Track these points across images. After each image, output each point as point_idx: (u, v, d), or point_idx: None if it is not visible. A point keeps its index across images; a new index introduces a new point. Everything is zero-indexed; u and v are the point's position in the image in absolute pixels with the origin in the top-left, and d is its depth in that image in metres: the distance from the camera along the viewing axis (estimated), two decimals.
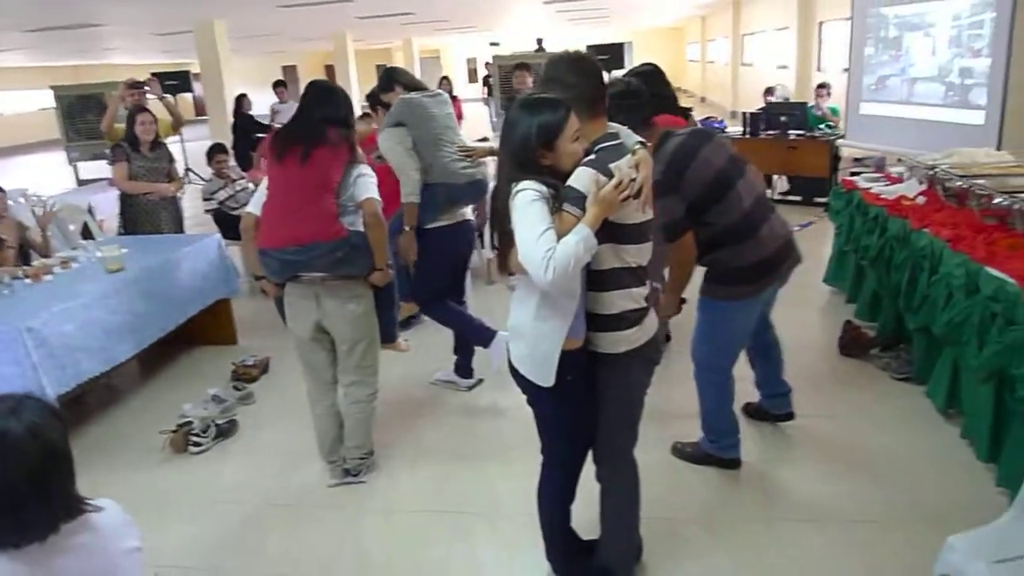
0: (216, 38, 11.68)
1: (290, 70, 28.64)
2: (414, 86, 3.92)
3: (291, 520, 3.16)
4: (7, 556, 1.38)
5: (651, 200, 2.18)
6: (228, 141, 8.99)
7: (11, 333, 3.39)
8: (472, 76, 32.04)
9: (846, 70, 8.21)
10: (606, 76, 2.36)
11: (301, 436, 3.68)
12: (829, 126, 8.29)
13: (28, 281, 4.06)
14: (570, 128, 2.08)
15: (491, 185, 4.37)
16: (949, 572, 2.08)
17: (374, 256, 3.16)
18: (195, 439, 3.75)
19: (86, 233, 6.41)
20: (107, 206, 7.51)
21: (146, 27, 13.48)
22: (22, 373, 3.36)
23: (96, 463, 3.63)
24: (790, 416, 3.57)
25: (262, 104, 11.10)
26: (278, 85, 10.94)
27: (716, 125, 8.96)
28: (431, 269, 3.91)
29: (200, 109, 23.44)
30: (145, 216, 5.44)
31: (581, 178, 2.06)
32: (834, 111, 8.61)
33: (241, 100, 10.39)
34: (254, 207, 3.23)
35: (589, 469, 2.47)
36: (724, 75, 20.53)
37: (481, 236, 5.84)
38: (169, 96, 6.53)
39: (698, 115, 4.25)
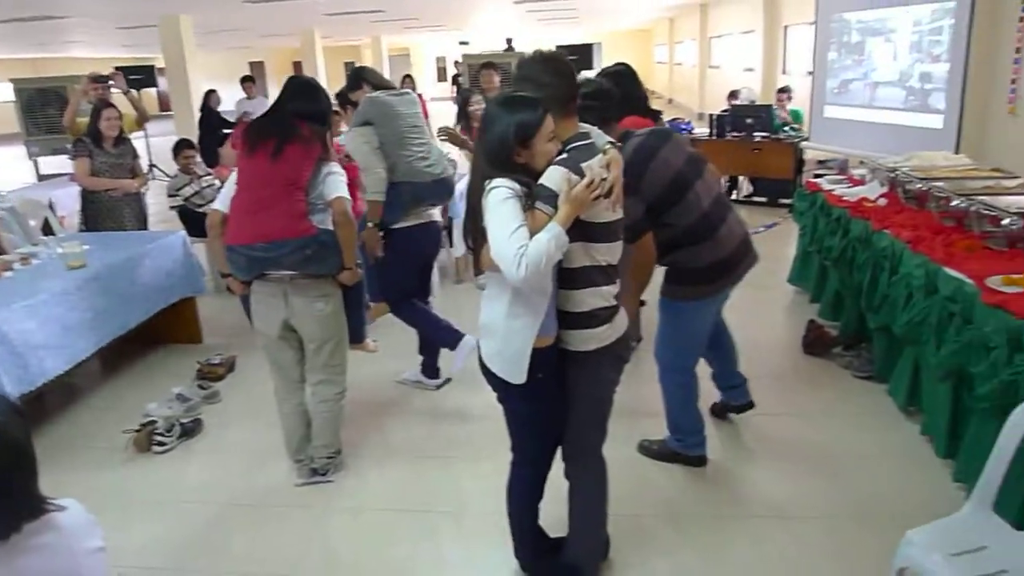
0: (181, 32, 11.52)
1: (257, 66, 28.31)
2: (382, 85, 3.91)
3: (257, 519, 3.13)
4: None
5: (621, 199, 2.21)
6: (194, 137, 8.87)
7: None
8: (442, 75, 32.00)
9: (810, 73, 8.34)
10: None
11: (267, 435, 3.65)
12: (794, 129, 8.42)
13: None
14: (547, 128, 2.10)
15: (459, 184, 4.41)
16: (908, 565, 2.12)
17: (343, 255, 3.15)
18: (159, 438, 3.70)
19: (47, 229, 6.29)
20: (68, 202, 7.36)
21: (110, 20, 13.24)
22: None
23: (58, 463, 3.56)
24: (750, 405, 3.61)
25: (228, 100, 10.93)
26: (246, 80, 10.61)
27: (683, 127, 9.05)
28: (398, 269, 3.91)
29: (165, 104, 23.11)
30: (107, 213, 5.34)
31: (553, 177, 2.08)
32: (798, 114, 8.71)
33: (209, 96, 10.23)
34: (221, 204, 3.19)
35: (557, 467, 2.49)
36: (691, 77, 20.72)
37: (449, 235, 5.85)
38: (133, 91, 6.41)
39: (666, 116, 4.28)
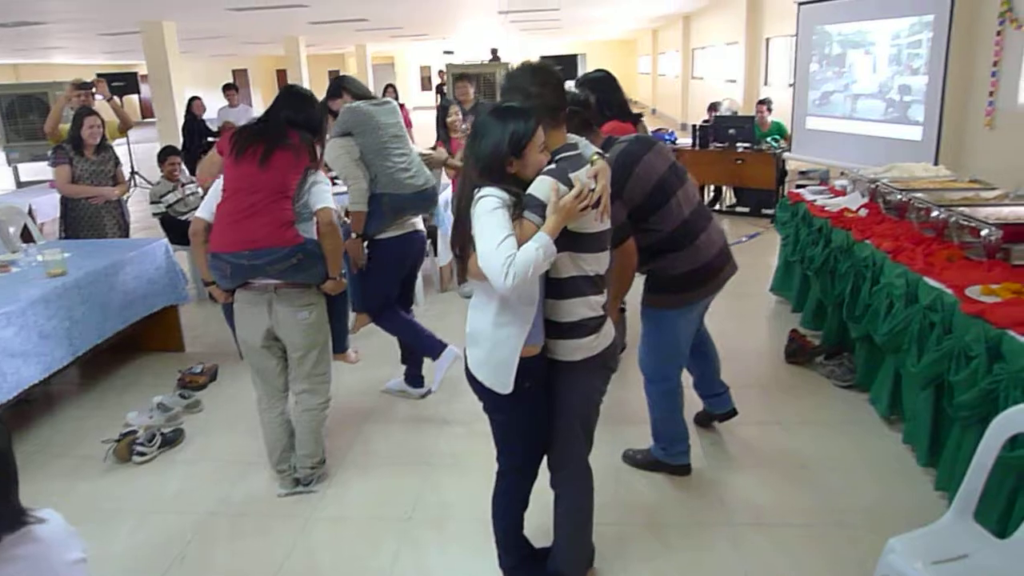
0: (164, 39, 11.45)
1: (241, 74, 28.20)
2: (362, 95, 3.88)
3: (239, 530, 3.11)
4: None
5: (609, 210, 2.22)
6: (177, 143, 8.81)
7: None
8: (426, 84, 32.04)
9: (792, 85, 8.42)
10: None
11: (249, 445, 3.62)
12: (776, 141, 8.48)
13: None
14: (539, 138, 2.11)
15: (442, 196, 4.41)
16: (890, 572, 2.14)
17: (328, 264, 3.14)
18: (139, 448, 3.65)
19: (26, 236, 6.22)
20: (48, 209, 7.31)
21: (92, 26, 13.15)
22: None
23: (37, 473, 3.52)
24: (733, 413, 3.63)
25: (211, 108, 10.85)
26: (228, 88, 10.42)
27: (667, 137, 9.10)
28: (381, 279, 3.89)
29: (147, 111, 22.97)
30: (88, 220, 5.30)
31: (541, 187, 2.09)
32: (780, 127, 8.75)
33: (192, 102, 10.14)
34: (204, 211, 3.17)
35: (542, 476, 2.49)
36: (675, 88, 20.86)
37: (434, 244, 5.84)
38: (116, 98, 6.36)
39: (649, 127, 4.30)
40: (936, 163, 5.76)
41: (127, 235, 5.61)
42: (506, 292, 2.02)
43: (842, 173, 5.90)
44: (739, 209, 8.81)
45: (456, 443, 3.71)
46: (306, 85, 16.89)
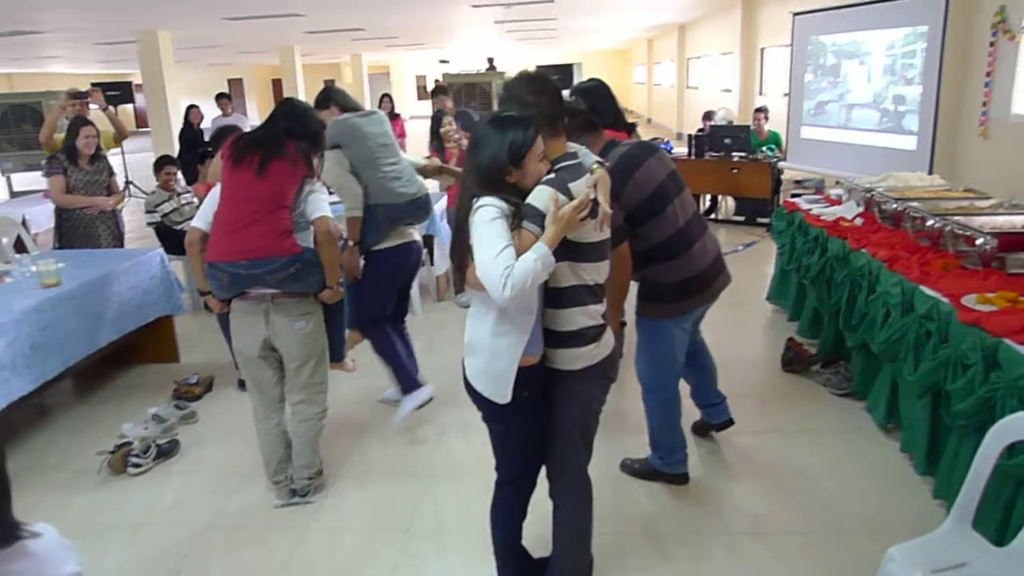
0: (160, 48, 11.46)
1: (236, 83, 28.24)
2: (349, 107, 3.83)
3: (235, 541, 3.09)
4: None
5: (608, 219, 2.21)
6: (173, 153, 8.79)
7: None
8: (422, 93, 32.06)
9: (787, 95, 8.46)
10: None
11: (245, 455, 3.61)
12: (771, 148, 8.50)
13: None
14: (538, 147, 2.11)
15: (437, 204, 4.39)
16: None
17: (326, 274, 3.13)
18: (135, 460, 3.63)
19: (19, 247, 6.19)
20: (42, 219, 7.29)
21: (88, 36, 13.16)
22: None
23: (31, 486, 3.50)
24: (730, 423, 3.63)
25: (205, 118, 10.84)
26: (221, 97, 10.24)
27: (663, 146, 9.10)
28: (375, 291, 3.86)
29: (142, 121, 22.96)
30: (82, 231, 5.29)
31: (540, 196, 2.09)
32: (776, 137, 8.77)
33: (190, 111, 10.10)
34: (201, 221, 3.17)
35: (541, 486, 2.48)
36: (670, 97, 20.93)
37: (430, 253, 5.84)
38: (111, 108, 6.36)
39: (644, 136, 4.31)
40: (930, 173, 5.78)
41: (122, 245, 5.60)
42: (504, 303, 2.02)
43: (837, 182, 5.92)
44: (735, 218, 8.83)
45: (455, 453, 3.70)
46: (301, 94, 16.93)
